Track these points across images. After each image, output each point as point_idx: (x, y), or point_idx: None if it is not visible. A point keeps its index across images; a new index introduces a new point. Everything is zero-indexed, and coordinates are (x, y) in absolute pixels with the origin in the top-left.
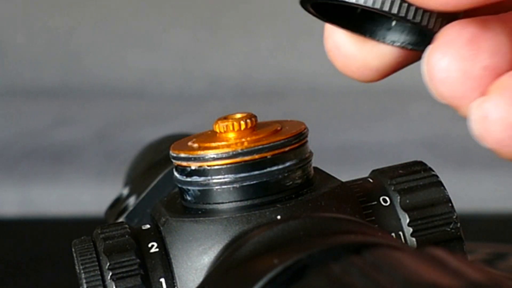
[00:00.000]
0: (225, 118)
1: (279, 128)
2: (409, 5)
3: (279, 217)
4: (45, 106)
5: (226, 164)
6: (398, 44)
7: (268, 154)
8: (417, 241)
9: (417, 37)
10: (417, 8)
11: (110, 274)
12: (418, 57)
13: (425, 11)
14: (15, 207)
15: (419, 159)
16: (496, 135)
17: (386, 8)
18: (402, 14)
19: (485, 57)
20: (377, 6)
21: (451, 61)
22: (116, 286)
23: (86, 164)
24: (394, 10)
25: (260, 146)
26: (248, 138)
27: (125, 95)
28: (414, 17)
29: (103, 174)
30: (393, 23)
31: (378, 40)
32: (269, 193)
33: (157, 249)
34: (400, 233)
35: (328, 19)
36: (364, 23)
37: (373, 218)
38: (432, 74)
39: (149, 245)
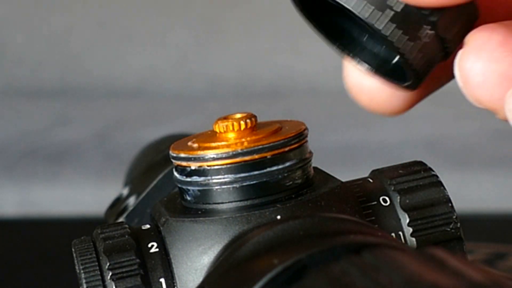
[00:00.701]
0: (225, 118)
1: (279, 128)
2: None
3: (279, 217)
4: (45, 106)
5: (226, 164)
6: (372, 69)
7: (268, 154)
8: (417, 241)
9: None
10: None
11: (110, 274)
12: (445, 81)
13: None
14: (15, 207)
15: (419, 159)
16: None
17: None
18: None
19: None
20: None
21: (486, 64)
22: (116, 286)
23: (86, 164)
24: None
25: (260, 146)
26: (248, 138)
27: (125, 95)
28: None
29: (103, 174)
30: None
31: (356, 61)
32: (269, 193)
33: (157, 249)
34: (400, 233)
35: (320, 30)
36: (352, 46)
37: (373, 218)
38: (467, 79)
39: (149, 245)
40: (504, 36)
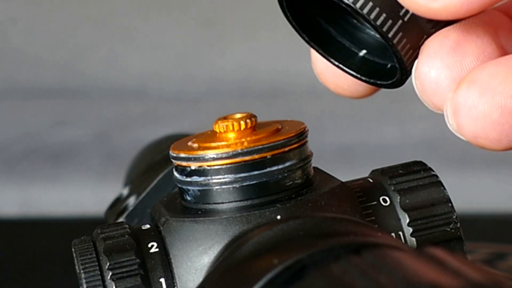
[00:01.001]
0: (225, 118)
1: (279, 128)
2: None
3: (279, 217)
4: (45, 106)
5: (226, 164)
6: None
7: (268, 154)
8: (417, 241)
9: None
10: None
11: (110, 274)
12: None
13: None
14: (15, 207)
15: (419, 159)
16: (468, 127)
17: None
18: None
19: (471, 60)
20: None
21: (439, 71)
22: (116, 286)
23: (86, 164)
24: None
25: (260, 146)
26: (248, 138)
27: (125, 95)
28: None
29: (103, 174)
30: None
31: (341, 65)
32: (269, 193)
33: (157, 249)
34: (400, 233)
35: (307, 38)
36: (337, 51)
37: (373, 218)
38: (423, 87)
39: (149, 245)
40: (456, 41)
